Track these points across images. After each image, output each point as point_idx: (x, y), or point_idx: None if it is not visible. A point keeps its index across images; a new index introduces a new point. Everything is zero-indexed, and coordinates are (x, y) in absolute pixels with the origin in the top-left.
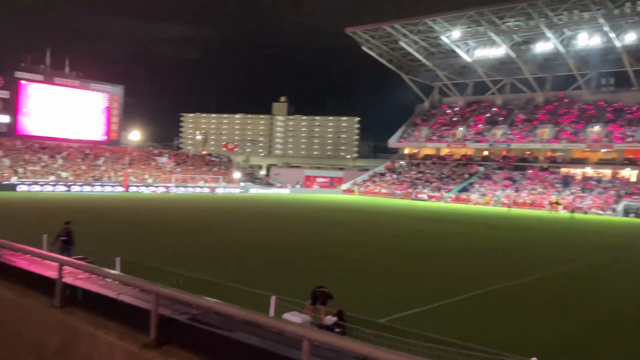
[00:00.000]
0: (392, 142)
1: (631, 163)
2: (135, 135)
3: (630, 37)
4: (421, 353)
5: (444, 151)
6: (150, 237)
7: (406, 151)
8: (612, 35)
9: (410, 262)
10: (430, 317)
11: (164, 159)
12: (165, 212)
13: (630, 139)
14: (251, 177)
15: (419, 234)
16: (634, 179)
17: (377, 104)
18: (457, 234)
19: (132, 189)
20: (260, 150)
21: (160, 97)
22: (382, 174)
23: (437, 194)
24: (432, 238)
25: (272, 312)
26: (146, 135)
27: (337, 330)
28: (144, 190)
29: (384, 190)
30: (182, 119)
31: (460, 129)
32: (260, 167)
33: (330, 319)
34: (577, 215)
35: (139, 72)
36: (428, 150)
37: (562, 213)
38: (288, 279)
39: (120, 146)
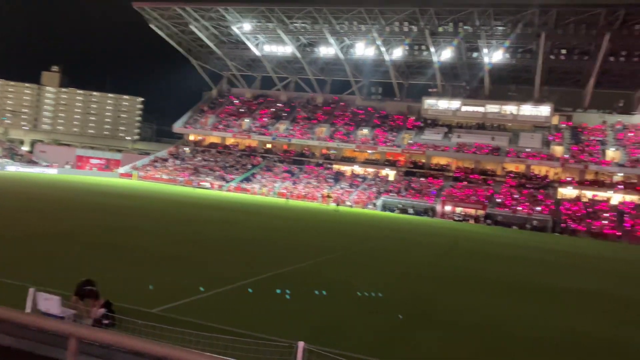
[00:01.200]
0: (177, 127)
1: (391, 164)
2: None
3: (397, 53)
4: (193, 342)
5: (229, 141)
6: None
7: (191, 138)
8: (382, 49)
9: (189, 249)
10: (206, 305)
11: None
12: None
13: (391, 143)
14: (10, 153)
15: (200, 221)
16: (391, 178)
17: (164, 86)
18: (237, 222)
19: None
20: (24, 123)
21: None
22: (165, 160)
23: (220, 182)
24: (213, 225)
25: (29, 307)
26: None
27: (106, 322)
28: None
29: (165, 176)
30: None
31: (246, 120)
32: (22, 143)
33: (97, 312)
34: (342, 208)
35: None
36: (213, 138)
37: (332, 205)
38: (54, 269)
39: None
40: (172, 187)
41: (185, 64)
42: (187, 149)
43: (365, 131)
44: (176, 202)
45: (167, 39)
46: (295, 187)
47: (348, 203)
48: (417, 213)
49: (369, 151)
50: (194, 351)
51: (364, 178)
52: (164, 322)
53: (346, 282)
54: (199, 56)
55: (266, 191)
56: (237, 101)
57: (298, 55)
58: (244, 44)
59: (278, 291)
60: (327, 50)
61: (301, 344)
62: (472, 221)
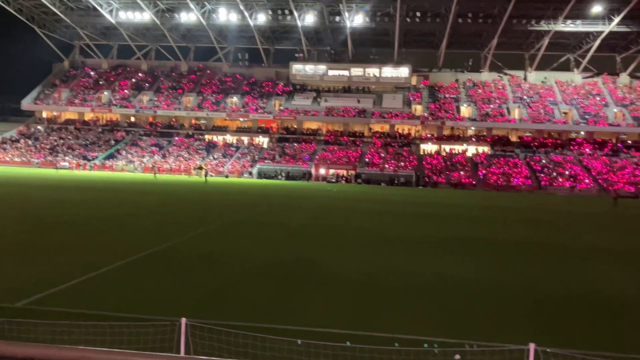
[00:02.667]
0: (26, 103)
1: (263, 131)
2: None
3: (261, 18)
4: (66, 333)
5: (88, 116)
6: None
7: (44, 114)
8: (246, 13)
9: (51, 235)
10: (80, 292)
11: None
12: None
13: (262, 110)
14: None
15: (63, 204)
16: (265, 145)
17: (7, 59)
18: (104, 201)
19: None
20: None
21: None
22: (15, 140)
23: (81, 161)
24: (76, 208)
25: None
26: None
27: None
28: None
29: (17, 159)
30: None
31: (105, 93)
32: None
33: None
34: (210, 179)
35: None
36: (70, 114)
37: (209, 177)
38: None
39: None
40: (27, 169)
41: (31, 33)
42: (40, 127)
43: (235, 99)
44: (31, 185)
45: (2, 4)
46: (166, 160)
47: (225, 173)
48: (293, 178)
49: (241, 119)
50: (65, 347)
51: (238, 147)
52: (31, 316)
53: (228, 252)
54: (44, 24)
55: (133, 167)
56: (94, 73)
57: (157, 21)
58: (97, 10)
59: (157, 269)
60: (188, 16)
61: (183, 320)
62: (343, 181)
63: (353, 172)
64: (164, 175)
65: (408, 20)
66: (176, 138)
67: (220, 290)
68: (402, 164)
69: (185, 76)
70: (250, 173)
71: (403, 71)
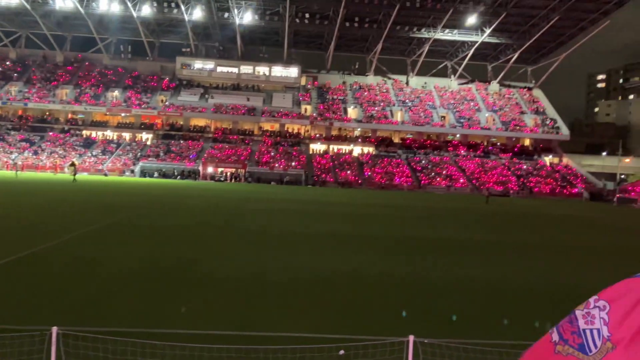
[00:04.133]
0: None
1: (147, 127)
2: None
3: (145, 10)
4: None
5: None
6: None
7: None
8: (129, 4)
9: None
10: None
11: None
12: None
13: (145, 105)
14: None
15: None
16: (149, 142)
17: None
18: None
19: None
20: None
21: None
22: None
23: None
24: None
25: None
26: None
27: None
28: None
29: None
30: None
31: None
32: None
33: None
34: (79, 177)
35: None
36: None
37: (79, 175)
38: None
39: None
40: None
41: None
42: None
43: (116, 93)
44: None
45: None
46: (38, 157)
47: (104, 171)
48: (179, 177)
49: (122, 114)
50: None
51: (119, 144)
52: None
53: (103, 256)
54: None
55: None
56: None
57: (27, 6)
58: None
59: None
60: (64, 3)
61: (54, 329)
62: (232, 180)
63: (242, 171)
64: (27, 173)
65: (297, 20)
66: (50, 133)
67: (96, 297)
68: (292, 163)
69: (60, 67)
70: (133, 171)
71: (293, 71)
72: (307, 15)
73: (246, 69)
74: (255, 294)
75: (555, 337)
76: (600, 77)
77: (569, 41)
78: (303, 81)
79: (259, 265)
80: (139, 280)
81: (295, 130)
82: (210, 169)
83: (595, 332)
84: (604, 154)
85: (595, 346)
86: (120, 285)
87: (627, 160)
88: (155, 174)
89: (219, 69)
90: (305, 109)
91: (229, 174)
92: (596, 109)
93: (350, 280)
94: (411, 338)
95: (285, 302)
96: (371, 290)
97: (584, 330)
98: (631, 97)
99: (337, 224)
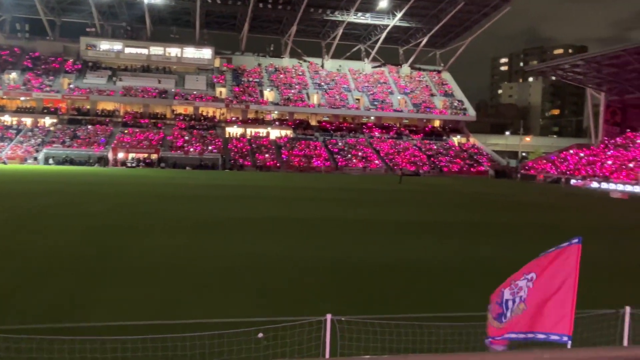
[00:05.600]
0: None
1: (50, 112)
2: None
3: None
4: None
5: None
6: None
7: None
8: None
9: None
10: None
11: None
12: None
13: (48, 89)
14: None
15: None
16: (53, 128)
17: None
18: None
19: None
20: None
21: None
22: None
23: None
24: None
25: None
26: None
27: None
28: None
29: None
30: None
31: None
32: None
33: None
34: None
35: None
36: None
37: None
38: None
39: None
40: None
41: None
42: None
43: (13, 75)
44: None
45: None
46: None
47: (2, 160)
48: (86, 163)
49: (22, 98)
50: None
51: (19, 129)
52: None
53: (13, 249)
54: None
55: None
56: None
57: None
58: None
59: None
60: None
61: None
62: (143, 165)
63: (155, 156)
64: None
65: (209, 0)
66: None
67: (10, 292)
68: (208, 147)
69: None
70: (36, 159)
71: (206, 52)
72: None
73: (156, 50)
74: (178, 281)
75: (489, 307)
76: (503, 60)
77: (473, 26)
78: (217, 63)
79: (185, 251)
80: (56, 272)
81: (210, 114)
82: (120, 155)
83: (517, 299)
84: (507, 133)
85: (511, 311)
86: (34, 279)
87: (528, 138)
88: (64, 161)
89: (127, 50)
90: (220, 92)
91: (140, 159)
92: (500, 91)
93: (273, 262)
94: (329, 316)
95: (209, 289)
96: (292, 271)
97: (506, 300)
98: (530, 79)
99: (261, 207)
